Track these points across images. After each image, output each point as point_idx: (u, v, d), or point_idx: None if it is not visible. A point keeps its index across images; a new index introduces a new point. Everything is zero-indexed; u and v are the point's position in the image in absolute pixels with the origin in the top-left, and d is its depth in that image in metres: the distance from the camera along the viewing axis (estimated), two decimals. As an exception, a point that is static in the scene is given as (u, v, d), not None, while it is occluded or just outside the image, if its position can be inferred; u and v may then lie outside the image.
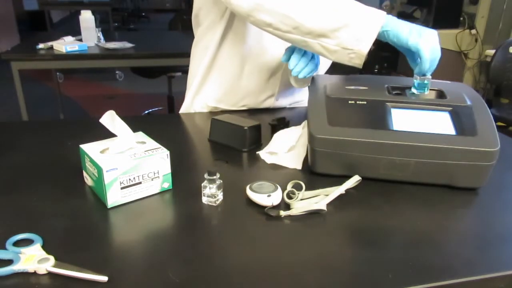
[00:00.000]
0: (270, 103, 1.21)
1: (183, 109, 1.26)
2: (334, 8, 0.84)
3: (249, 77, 1.15)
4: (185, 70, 3.09)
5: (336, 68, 1.30)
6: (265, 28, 0.92)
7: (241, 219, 0.71)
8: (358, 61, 0.87)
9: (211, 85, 1.19)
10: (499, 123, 2.68)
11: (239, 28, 1.09)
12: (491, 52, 3.09)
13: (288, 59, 0.99)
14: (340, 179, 0.79)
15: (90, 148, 0.75)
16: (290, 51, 1.00)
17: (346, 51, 0.86)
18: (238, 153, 0.94)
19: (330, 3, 0.84)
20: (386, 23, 0.83)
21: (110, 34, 2.94)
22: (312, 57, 1.00)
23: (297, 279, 0.57)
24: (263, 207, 0.72)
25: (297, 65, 0.97)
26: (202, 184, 0.73)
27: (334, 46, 0.86)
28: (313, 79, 0.99)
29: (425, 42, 0.81)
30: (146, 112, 3.80)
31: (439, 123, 0.81)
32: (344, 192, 0.77)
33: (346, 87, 0.91)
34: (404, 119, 0.82)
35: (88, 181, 0.78)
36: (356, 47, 0.84)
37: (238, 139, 0.95)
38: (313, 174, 0.85)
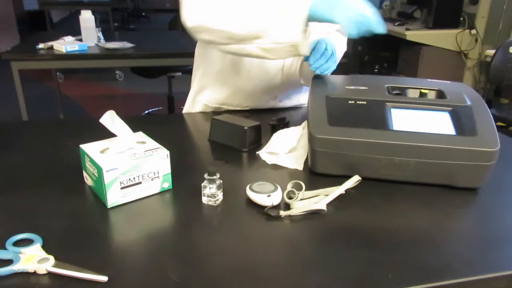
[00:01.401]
0: (272, 104, 1.21)
1: (185, 109, 1.26)
2: (259, 11, 0.90)
3: (252, 79, 1.15)
4: (185, 70, 3.09)
5: (336, 68, 1.30)
6: (211, 46, 0.98)
7: (241, 219, 0.71)
8: (298, 52, 0.91)
9: (213, 86, 1.19)
10: (499, 123, 2.68)
11: None
12: (491, 52, 3.09)
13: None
14: (340, 179, 0.79)
15: (90, 148, 0.75)
16: (311, 49, 0.97)
17: (281, 45, 0.90)
18: (238, 153, 0.94)
19: (255, 7, 0.90)
20: (312, 6, 0.85)
21: (110, 34, 2.94)
22: (332, 54, 0.96)
23: (297, 279, 0.57)
24: (263, 207, 0.72)
25: (317, 61, 0.94)
26: (202, 184, 0.73)
27: (269, 44, 0.90)
28: (313, 79, 0.99)
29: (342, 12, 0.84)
30: (146, 112, 3.80)
31: (439, 123, 0.81)
32: (344, 192, 0.77)
33: (346, 87, 0.91)
34: (404, 119, 0.82)
35: (88, 181, 0.78)
36: (287, 39, 0.88)
37: (238, 139, 0.95)
38: (313, 174, 0.85)
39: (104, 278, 0.55)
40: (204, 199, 0.74)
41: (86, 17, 2.53)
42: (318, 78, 0.99)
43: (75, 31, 2.68)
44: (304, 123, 1.00)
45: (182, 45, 2.68)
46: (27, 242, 0.61)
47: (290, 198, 0.73)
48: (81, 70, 4.92)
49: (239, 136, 0.94)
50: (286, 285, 0.56)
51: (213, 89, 1.19)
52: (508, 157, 0.94)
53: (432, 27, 3.50)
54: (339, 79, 0.99)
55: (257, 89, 1.16)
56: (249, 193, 0.73)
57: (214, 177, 0.72)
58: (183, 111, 1.26)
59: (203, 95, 1.21)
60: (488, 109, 0.85)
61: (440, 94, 0.90)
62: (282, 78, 1.15)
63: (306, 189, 0.75)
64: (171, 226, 0.70)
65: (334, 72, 1.26)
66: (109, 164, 0.69)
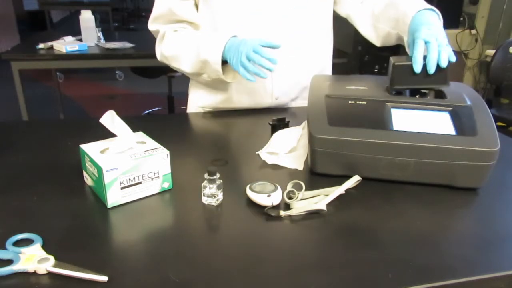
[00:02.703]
0: (270, 102, 1.21)
1: (188, 109, 1.30)
2: (194, 59, 1.09)
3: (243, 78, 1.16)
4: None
5: (335, 68, 1.30)
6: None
7: (241, 219, 0.71)
8: (229, 80, 1.10)
9: (207, 91, 1.22)
10: (499, 123, 2.68)
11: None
12: (491, 52, 3.09)
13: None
14: (340, 179, 0.79)
15: (90, 148, 0.75)
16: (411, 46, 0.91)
17: (219, 79, 1.09)
18: (238, 153, 0.94)
19: (191, 56, 1.10)
20: (227, 49, 1.02)
21: (110, 34, 2.94)
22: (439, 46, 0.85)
23: (297, 279, 0.57)
24: (263, 207, 0.72)
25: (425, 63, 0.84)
26: (202, 184, 0.73)
27: (208, 78, 1.12)
28: (312, 79, 0.99)
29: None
30: (146, 112, 3.80)
31: (439, 123, 0.81)
32: (344, 192, 0.77)
33: (346, 87, 0.91)
34: (404, 119, 0.82)
35: (88, 181, 0.78)
36: (216, 76, 1.08)
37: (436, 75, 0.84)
38: (313, 174, 0.85)
39: (104, 278, 0.55)
40: (204, 199, 0.74)
41: (86, 17, 2.53)
42: (318, 78, 0.99)
43: (75, 31, 2.68)
44: (304, 123, 1.00)
45: (182, 45, 2.68)
46: (27, 242, 0.61)
47: (290, 198, 0.73)
48: (81, 70, 4.92)
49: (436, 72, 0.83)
50: (286, 285, 0.56)
51: (208, 93, 1.22)
52: (508, 157, 0.94)
53: (432, 27, 3.49)
54: (339, 79, 0.99)
55: (250, 88, 1.17)
56: (249, 193, 0.73)
57: (214, 177, 0.72)
58: (187, 110, 1.30)
59: (199, 100, 1.25)
60: (488, 109, 0.85)
61: (440, 94, 0.90)
62: (272, 74, 1.14)
63: (306, 189, 0.75)
64: (171, 226, 0.70)
65: (334, 72, 1.26)
66: (109, 164, 0.69)
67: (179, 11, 1.11)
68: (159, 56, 1.18)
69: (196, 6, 1.14)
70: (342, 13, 1.23)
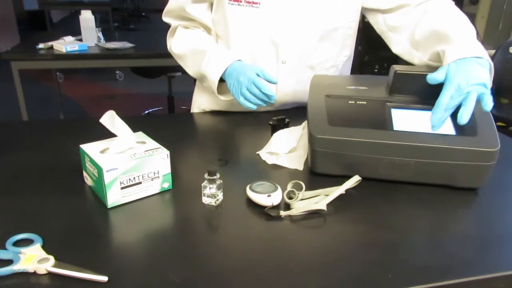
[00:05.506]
0: (271, 108, 1.20)
1: (191, 110, 1.31)
2: (197, 66, 1.12)
3: None
4: (185, 70, 3.09)
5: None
6: None
7: (241, 219, 0.71)
8: (222, 98, 1.12)
9: (208, 93, 1.22)
10: (499, 123, 2.68)
11: (233, 43, 1.12)
12: (491, 52, 3.09)
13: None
14: (340, 179, 0.79)
15: (90, 148, 0.75)
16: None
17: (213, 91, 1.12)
18: (238, 153, 0.94)
19: (193, 61, 1.14)
20: (227, 72, 1.06)
21: (110, 34, 2.94)
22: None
23: (297, 279, 0.57)
24: (263, 207, 0.72)
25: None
26: (202, 184, 0.73)
27: (206, 85, 1.15)
28: (313, 79, 0.99)
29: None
30: (146, 112, 3.80)
31: (439, 123, 0.81)
32: (344, 192, 0.77)
33: (346, 87, 0.91)
34: (404, 119, 0.82)
35: (88, 181, 0.78)
36: (213, 93, 1.12)
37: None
38: (313, 174, 0.85)
39: (104, 278, 0.55)
40: (204, 199, 0.74)
41: (86, 17, 2.53)
42: (318, 78, 0.99)
43: (75, 31, 2.68)
44: (304, 123, 1.00)
45: (182, 45, 2.68)
46: (27, 242, 0.61)
47: (290, 198, 0.73)
48: (81, 70, 4.92)
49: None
50: (286, 285, 0.56)
51: (212, 98, 1.20)
52: (508, 157, 0.94)
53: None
54: (339, 79, 0.99)
55: None
56: (249, 193, 0.73)
57: (214, 177, 0.72)
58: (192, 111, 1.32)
59: (203, 103, 1.25)
60: (488, 109, 0.84)
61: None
62: (276, 87, 1.14)
63: (306, 189, 0.75)
64: (171, 226, 0.70)
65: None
66: (109, 164, 0.69)
67: (190, 11, 1.13)
68: (168, 49, 1.22)
69: (211, 6, 1.14)
70: (377, 28, 1.13)
